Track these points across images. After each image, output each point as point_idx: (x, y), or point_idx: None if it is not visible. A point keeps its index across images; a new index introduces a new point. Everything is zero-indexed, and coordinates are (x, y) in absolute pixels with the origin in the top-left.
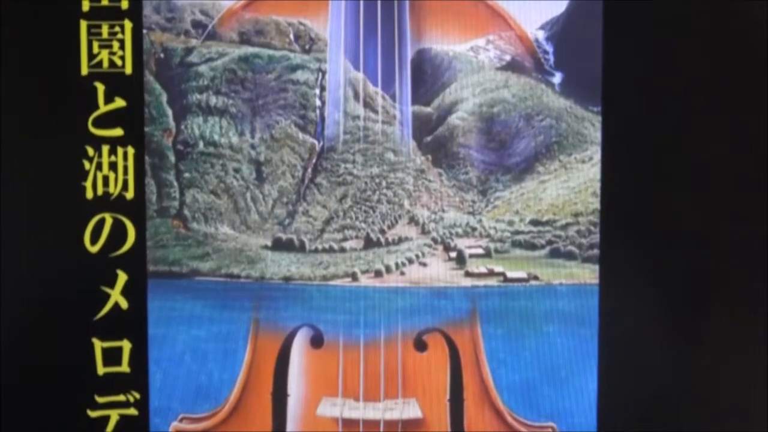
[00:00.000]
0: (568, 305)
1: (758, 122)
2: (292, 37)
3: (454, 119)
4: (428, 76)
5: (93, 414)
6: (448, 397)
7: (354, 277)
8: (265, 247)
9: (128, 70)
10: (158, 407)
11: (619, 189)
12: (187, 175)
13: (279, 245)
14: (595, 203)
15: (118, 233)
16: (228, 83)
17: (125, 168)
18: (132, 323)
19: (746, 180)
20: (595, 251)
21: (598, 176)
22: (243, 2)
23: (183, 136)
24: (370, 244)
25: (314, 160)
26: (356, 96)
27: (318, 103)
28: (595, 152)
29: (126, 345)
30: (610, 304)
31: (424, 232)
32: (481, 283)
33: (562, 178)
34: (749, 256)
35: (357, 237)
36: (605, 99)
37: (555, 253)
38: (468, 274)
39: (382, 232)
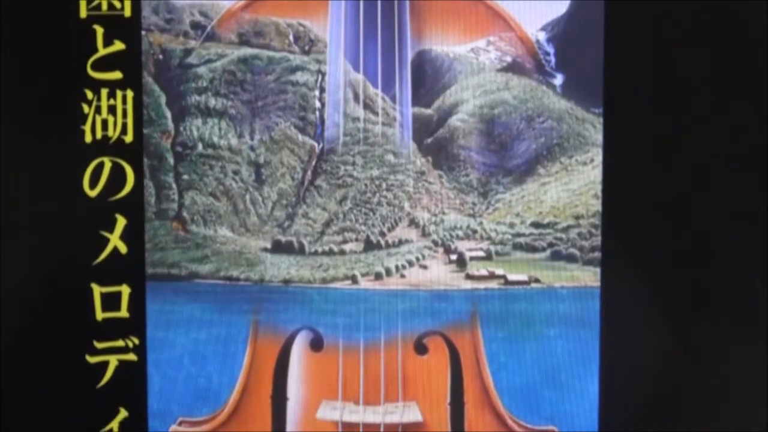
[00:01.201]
0: (569, 308)
1: (759, 123)
2: (291, 38)
3: (454, 121)
4: (428, 77)
5: (92, 360)
6: (448, 400)
7: (354, 279)
8: (265, 249)
9: (127, 12)
10: (157, 410)
11: (620, 191)
12: (186, 177)
13: (278, 247)
14: (597, 205)
15: (117, 177)
16: (227, 85)
17: (124, 111)
18: (131, 268)
19: (747, 181)
20: (597, 254)
21: (600, 178)
22: (242, 3)
23: (182, 138)
24: (370, 246)
25: (314, 162)
26: (356, 98)
27: (318, 104)
28: (597, 154)
29: (125, 290)
30: (612, 306)
31: (425, 234)
32: (481, 285)
33: (563, 180)
34: (751, 259)
35: (357, 239)
36: (607, 101)
37: (556, 256)
38: (468, 277)
39: (382, 234)
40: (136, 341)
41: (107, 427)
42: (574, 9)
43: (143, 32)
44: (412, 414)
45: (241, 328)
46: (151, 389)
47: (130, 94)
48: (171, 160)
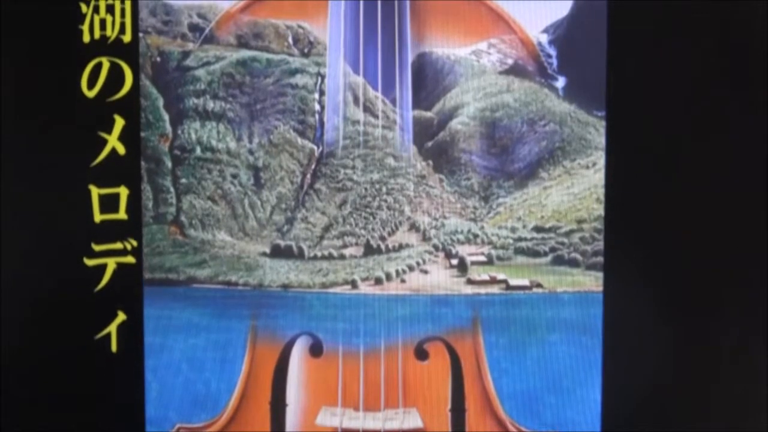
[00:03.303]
0: (571, 313)
1: (761, 125)
2: (290, 40)
3: (455, 124)
4: (429, 80)
5: (90, 263)
6: (449, 406)
7: (354, 284)
8: (264, 254)
9: None
10: (154, 417)
11: (623, 195)
12: (184, 180)
13: (277, 252)
14: (599, 209)
15: (115, 77)
16: (225, 87)
17: (122, 11)
18: (129, 169)
19: (750, 184)
20: (599, 258)
21: (602, 182)
22: (241, 5)
23: (180, 141)
24: (370, 251)
25: (313, 166)
26: (356, 100)
27: (317, 107)
28: (599, 158)
29: (123, 191)
30: (615, 312)
31: (425, 238)
32: (483, 290)
33: (566, 184)
34: (753, 263)
35: (357, 244)
36: (609, 103)
37: (558, 261)
38: (470, 282)
39: (383, 238)
40: (135, 243)
41: (105, 331)
42: (576, 11)
43: (141, 34)
44: (412, 420)
45: (239, 333)
46: (148, 395)
47: None
48: (169, 164)
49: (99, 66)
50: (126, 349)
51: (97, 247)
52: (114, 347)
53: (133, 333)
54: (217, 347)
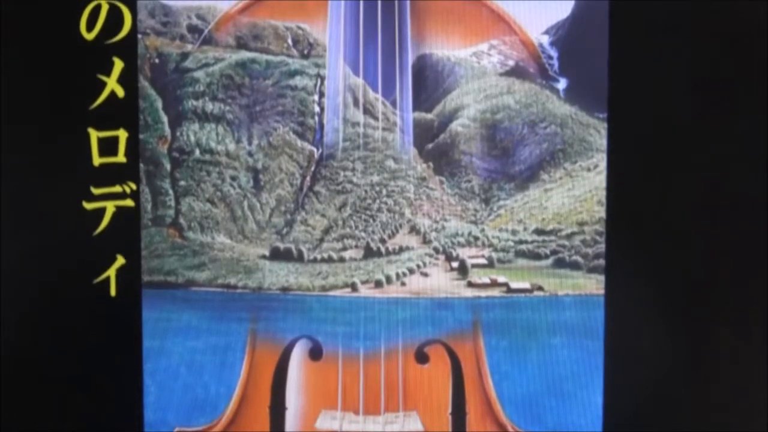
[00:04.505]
0: (573, 316)
1: (764, 128)
2: (290, 41)
3: (456, 126)
4: (429, 81)
5: (89, 206)
6: (450, 410)
7: (354, 287)
8: (263, 256)
9: None
10: (153, 420)
11: (625, 197)
12: (182, 183)
13: (277, 255)
14: (601, 212)
15: (114, 19)
16: (225, 89)
17: None
18: (128, 112)
19: (752, 187)
20: (601, 261)
21: (604, 184)
22: (240, 6)
23: (179, 143)
24: (370, 253)
25: (313, 168)
26: (356, 102)
27: (317, 109)
28: (601, 160)
29: (122, 134)
30: (616, 315)
31: (426, 241)
32: (483, 293)
33: (567, 187)
34: (755, 267)
35: (357, 246)
36: (611, 105)
37: (560, 263)
38: (470, 285)
39: (383, 241)
40: (134, 186)
41: (104, 275)
42: (577, 12)
43: (139, 36)
44: (412, 424)
45: (238, 336)
46: (147, 399)
47: None
48: (168, 166)
49: (98, 8)
50: (125, 294)
51: (96, 191)
52: (113, 291)
53: (132, 277)
54: (216, 350)
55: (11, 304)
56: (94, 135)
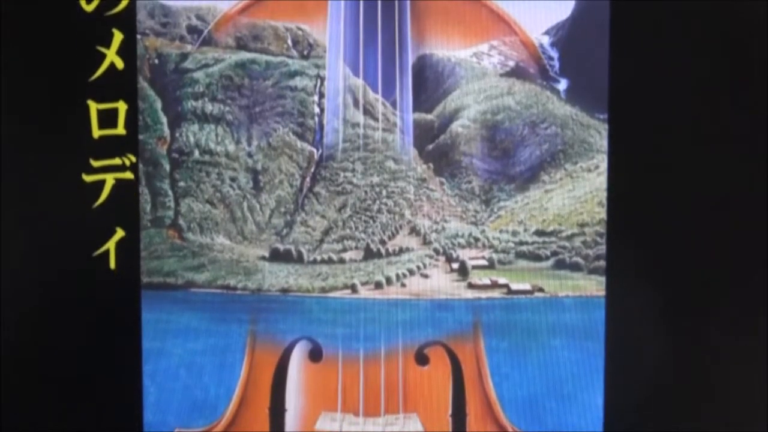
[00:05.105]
0: (573, 318)
1: (764, 129)
2: (290, 42)
3: (456, 127)
4: (430, 82)
5: (88, 179)
6: (450, 411)
7: (353, 288)
8: (263, 258)
9: None
10: (152, 421)
11: (625, 198)
12: (182, 184)
13: (276, 256)
14: (602, 213)
15: None
16: (224, 90)
17: None
18: (128, 84)
19: (754, 188)
20: (602, 262)
21: (605, 185)
22: (240, 7)
23: (178, 144)
24: (370, 255)
25: (313, 169)
26: (356, 103)
27: (316, 110)
28: (602, 161)
29: (122, 106)
30: (617, 316)
31: (426, 242)
32: (484, 295)
33: (568, 188)
34: (756, 268)
35: (357, 248)
36: (612, 106)
37: (560, 265)
38: (471, 286)
39: (383, 242)
40: (133, 159)
41: (104, 248)
42: (578, 13)
43: (138, 36)
44: (413, 426)
45: (238, 338)
46: (146, 400)
47: None
48: (167, 167)
49: None
50: (124, 267)
51: (95, 163)
52: (112, 264)
53: (131, 250)
54: (215, 352)
55: (11, 277)
56: (94, 107)
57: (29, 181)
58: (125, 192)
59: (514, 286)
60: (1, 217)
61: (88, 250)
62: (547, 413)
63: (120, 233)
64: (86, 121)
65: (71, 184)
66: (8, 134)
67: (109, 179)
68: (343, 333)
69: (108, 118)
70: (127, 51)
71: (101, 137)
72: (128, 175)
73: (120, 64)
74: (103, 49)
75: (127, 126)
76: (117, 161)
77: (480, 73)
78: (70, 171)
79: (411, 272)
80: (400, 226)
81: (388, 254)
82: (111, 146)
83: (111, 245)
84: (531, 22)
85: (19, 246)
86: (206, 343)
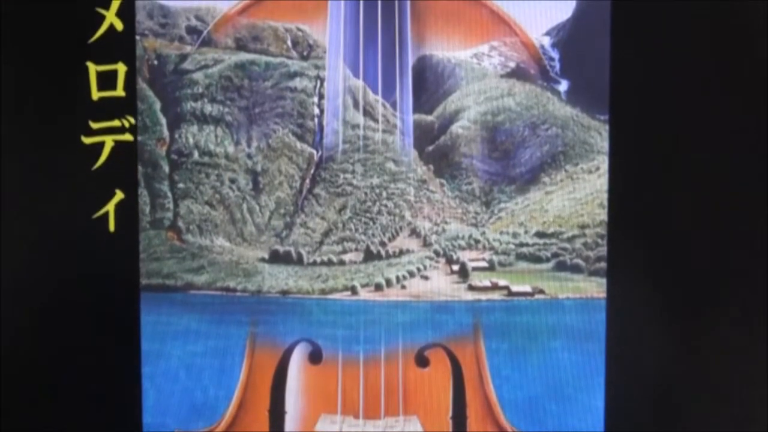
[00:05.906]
0: (574, 320)
1: (764, 130)
2: (289, 43)
3: (456, 128)
4: (430, 83)
5: (87, 141)
6: (450, 414)
7: (353, 290)
8: (262, 259)
9: None
10: (152, 424)
11: (626, 200)
12: (181, 185)
13: (276, 258)
14: (602, 215)
15: None
16: (224, 91)
17: None
18: (127, 45)
19: (754, 189)
20: (602, 264)
21: (605, 187)
22: (239, 7)
23: (177, 146)
24: (370, 256)
25: (312, 171)
26: (356, 104)
27: (316, 111)
28: (602, 162)
29: (121, 68)
30: (618, 318)
31: (426, 244)
32: (484, 297)
33: (568, 189)
34: (756, 269)
35: (357, 249)
36: (613, 107)
37: (561, 267)
38: (471, 288)
39: (383, 244)
40: (132, 121)
41: (103, 210)
42: (579, 13)
43: (137, 37)
44: (413, 428)
45: (237, 340)
46: (145, 403)
47: None
48: (166, 168)
49: None
50: (124, 229)
51: (95, 125)
52: (112, 226)
53: (130, 212)
54: (215, 354)
55: (11, 237)
56: (93, 69)
57: (29, 144)
58: (125, 154)
59: (515, 288)
60: (1, 179)
61: (87, 211)
62: (547, 415)
63: (119, 195)
64: (85, 82)
65: (71, 146)
66: (7, 96)
67: (109, 141)
68: (343, 335)
69: (107, 80)
70: (127, 12)
71: (100, 99)
72: (127, 137)
73: (119, 26)
74: (102, 11)
75: (126, 88)
76: (116, 123)
77: (480, 74)
78: (69, 133)
79: (411, 274)
80: (401, 228)
81: (388, 256)
82: (110, 108)
83: (110, 207)
84: (532, 22)
85: (20, 207)
86: (206, 345)
